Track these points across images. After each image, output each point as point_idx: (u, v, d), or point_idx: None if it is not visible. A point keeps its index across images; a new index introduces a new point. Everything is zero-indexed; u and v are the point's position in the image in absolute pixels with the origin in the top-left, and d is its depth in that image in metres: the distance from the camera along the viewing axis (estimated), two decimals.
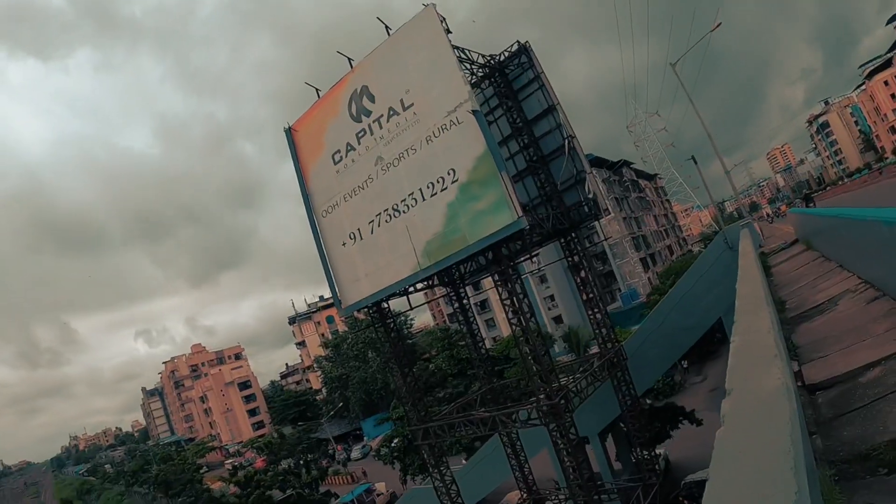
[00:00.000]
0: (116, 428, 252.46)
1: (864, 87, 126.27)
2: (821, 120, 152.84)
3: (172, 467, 69.85)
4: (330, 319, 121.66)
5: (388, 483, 46.73)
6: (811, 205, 59.54)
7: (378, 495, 45.32)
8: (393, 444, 42.75)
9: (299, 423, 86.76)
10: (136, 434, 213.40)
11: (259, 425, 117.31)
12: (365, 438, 75.44)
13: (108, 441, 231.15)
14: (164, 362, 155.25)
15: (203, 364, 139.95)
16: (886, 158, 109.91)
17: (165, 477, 67.48)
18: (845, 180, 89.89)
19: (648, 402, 30.95)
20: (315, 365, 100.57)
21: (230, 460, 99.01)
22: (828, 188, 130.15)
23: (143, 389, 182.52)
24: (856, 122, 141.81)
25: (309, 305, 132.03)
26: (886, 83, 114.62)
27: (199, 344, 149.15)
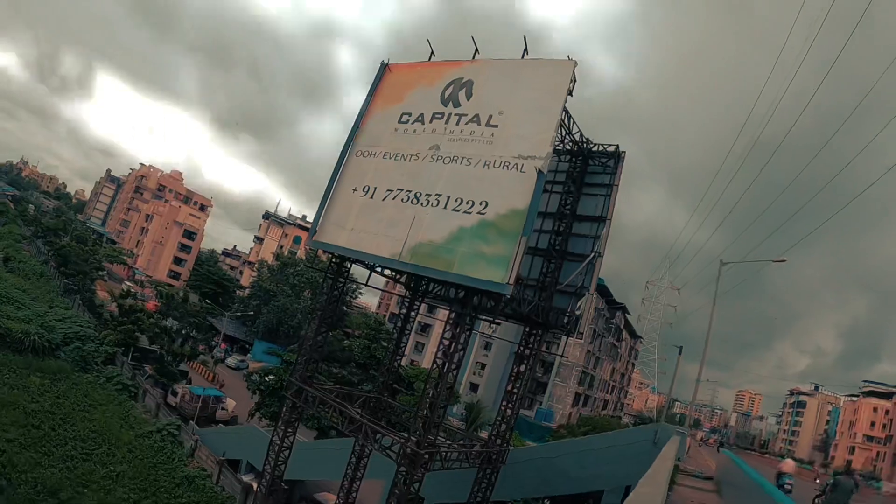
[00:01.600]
0: (63, 183, 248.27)
1: (855, 398, 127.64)
2: (801, 398, 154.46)
3: (80, 250, 68.59)
4: (297, 240, 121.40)
5: (238, 407, 45.93)
6: (720, 449, 67.81)
7: (222, 409, 44.47)
8: (266, 379, 42.07)
9: (207, 301, 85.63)
10: (73, 201, 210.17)
11: (175, 276, 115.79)
12: (249, 355, 74.40)
13: (47, 188, 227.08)
14: (141, 163, 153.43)
15: (170, 191, 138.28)
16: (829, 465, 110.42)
17: (68, 253, 66.27)
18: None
19: None
20: (256, 266, 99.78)
21: (130, 283, 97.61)
22: (766, 455, 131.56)
23: (108, 171, 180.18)
24: (827, 421, 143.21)
25: (289, 215, 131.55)
26: (875, 410, 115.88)
27: (181, 174, 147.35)
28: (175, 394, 43.63)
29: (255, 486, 27.49)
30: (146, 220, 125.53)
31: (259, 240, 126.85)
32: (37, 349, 38.92)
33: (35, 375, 35.04)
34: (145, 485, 27.02)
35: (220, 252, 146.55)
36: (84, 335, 44.14)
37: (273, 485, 23.65)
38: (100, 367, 41.46)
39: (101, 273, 73.17)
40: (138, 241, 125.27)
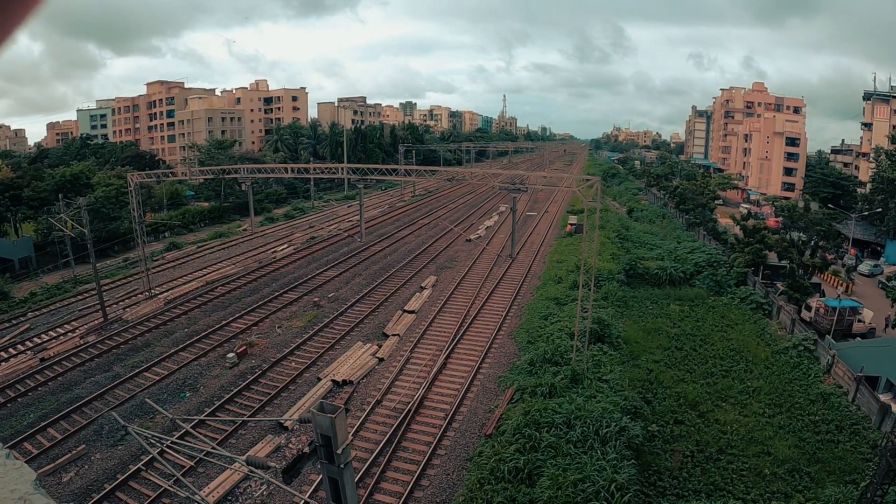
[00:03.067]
0: (656, 133, 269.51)
1: None
2: None
3: (693, 186, 72.78)
4: None
5: (876, 318, 39.56)
6: None
7: (859, 321, 38.92)
8: None
9: (829, 206, 77.65)
10: (672, 145, 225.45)
11: (788, 187, 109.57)
12: (881, 259, 63.63)
13: (645, 142, 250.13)
14: (721, 89, 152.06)
15: (759, 104, 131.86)
16: None
17: (683, 192, 71.24)
18: None
19: None
20: (872, 155, 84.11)
21: (746, 205, 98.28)
22: None
23: (694, 108, 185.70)
24: None
25: (892, 87, 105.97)
26: None
27: (762, 83, 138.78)
28: (809, 308, 41.24)
29: (893, 406, 24.46)
30: (745, 141, 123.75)
31: (867, 125, 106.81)
32: (673, 280, 44.34)
33: (674, 304, 39.89)
34: (780, 400, 26.80)
35: (829, 151, 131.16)
36: (714, 261, 47.39)
37: None
38: (732, 288, 43.59)
39: (716, 202, 75.87)
40: (744, 163, 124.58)
